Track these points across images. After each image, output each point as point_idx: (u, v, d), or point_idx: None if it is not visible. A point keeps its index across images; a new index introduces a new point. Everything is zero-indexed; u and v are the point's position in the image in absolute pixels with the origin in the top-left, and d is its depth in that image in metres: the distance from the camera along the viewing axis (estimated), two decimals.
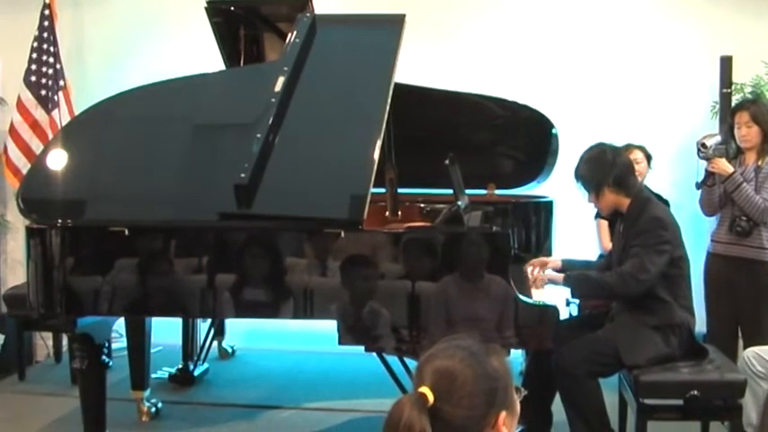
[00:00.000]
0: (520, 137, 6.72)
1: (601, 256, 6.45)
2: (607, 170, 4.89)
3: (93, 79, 7.94)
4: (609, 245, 6.52)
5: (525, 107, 6.47)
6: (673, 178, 6.97)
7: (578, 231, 7.04)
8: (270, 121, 4.81)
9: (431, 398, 2.09)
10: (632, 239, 4.84)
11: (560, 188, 6.70)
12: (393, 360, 5.26)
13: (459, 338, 2.27)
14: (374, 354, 4.99)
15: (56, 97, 7.66)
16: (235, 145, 4.90)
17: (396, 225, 5.51)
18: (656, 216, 4.84)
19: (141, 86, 5.37)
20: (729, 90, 6.62)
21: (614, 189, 4.91)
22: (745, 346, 5.77)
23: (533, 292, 4.97)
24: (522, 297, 4.58)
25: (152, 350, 6.05)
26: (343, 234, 4.56)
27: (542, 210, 6.44)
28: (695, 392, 4.59)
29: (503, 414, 2.16)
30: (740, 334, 6.03)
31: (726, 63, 6.66)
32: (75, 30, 8.11)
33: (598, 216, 6.74)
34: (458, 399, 2.11)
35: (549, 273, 5.21)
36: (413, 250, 4.60)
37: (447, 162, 5.22)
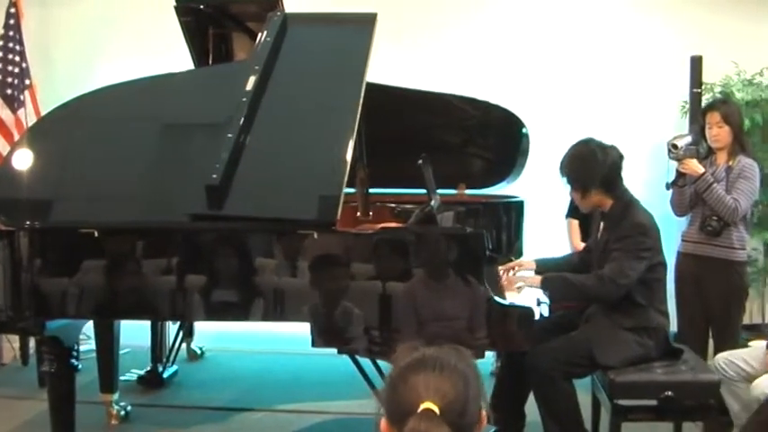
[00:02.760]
0: (491, 137, 6.70)
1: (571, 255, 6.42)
2: (596, 170, 4.83)
3: (59, 78, 7.84)
4: (579, 244, 6.52)
5: (496, 107, 6.45)
6: (643, 178, 6.93)
7: (548, 231, 7.01)
8: (241, 121, 4.74)
9: (437, 411, 2.06)
10: (613, 243, 4.80)
11: (530, 188, 6.70)
12: (365, 361, 5.20)
13: (422, 347, 2.24)
14: (346, 355, 4.93)
15: (21, 96, 7.56)
16: (205, 145, 4.83)
17: (367, 226, 5.44)
18: (639, 222, 4.80)
19: (109, 86, 5.31)
20: (699, 90, 6.61)
21: (601, 189, 4.87)
22: (716, 345, 5.80)
23: (509, 294, 4.91)
24: (496, 298, 4.53)
25: (120, 352, 5.95)
26: (316, 235, 4.51)
27: (513, 210, 6.43)
28: (669, 393, 4.58)
29: (484, 412, 2.17)
30: (711, 333, 6.00)
31: (696, 63, 6.65)
32: (42, 28, 8.01)
33: (569, 215, 6.73)
34: (464, 409, 2.10)
35: (525, 275, 5.16)
36: (387, 251, 4.55)
37: (420, 162, 5.17)
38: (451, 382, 2.10)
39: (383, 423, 2.14)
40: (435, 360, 2.15)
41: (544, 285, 4.93)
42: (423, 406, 2.05)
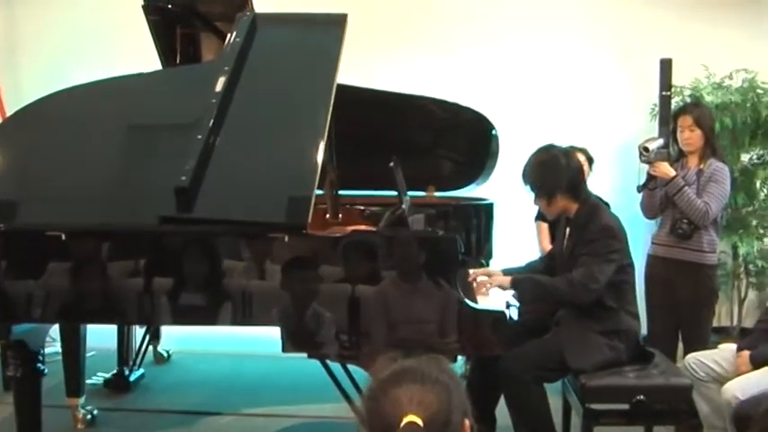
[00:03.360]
0: (460, 138, 6.66)
1: (541, 259, 6.39)
2: (560, 176, 4.80)
3: (25, 79, 7.79)
4: (548, 247, 6.50)
5: (466, 109, 6.41)
6: (613, 181, 6.97)
7: (517, 233, 6.99)
8: (210, 123, 4.69)
9: (421, 423, 2.03)
10: (581, 247, 4.77)
11: (499, 190, 6.67)
12: (334, 365, 5.15)
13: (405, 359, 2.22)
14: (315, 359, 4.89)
15: None
16: (174, 146, 4.79)
17: (337, 228, 5.40)
18: (606, 225, 4.78)
19: (76, 86, 5.24)
20: (669, 93, 6.58)
21: (566, 195, 4.84)
22: (685, 348, 5.79)
23: (479, 298, 4.87)
24: (468, 302, 4.50)
25: (86, 355, 5.88)
26: (286, 238, 4.46)
27: (483, 212, 6.40)
28: (641, 397, 4.56)
29: (467, 422, 2.15)
30: (680, 336, 5.99)
31: (665, 65, 6.61)
32: (8, 28, 7.95)
33: (538, 218, 6.71)
34: (447, 420, 2.07)
35: (494, 275, 5.12)
36: (358, 254, 4.52)
37: (391, 164, 5.14)
38: (434, 393, 2.08)
39: None
40: (416, 371, 2.12)
41: (514, 286, 4.91)
42: (406, 419, 2.02)
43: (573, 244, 4.87)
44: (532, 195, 4.92)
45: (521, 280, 4.91)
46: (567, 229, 4.99)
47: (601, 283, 4.66)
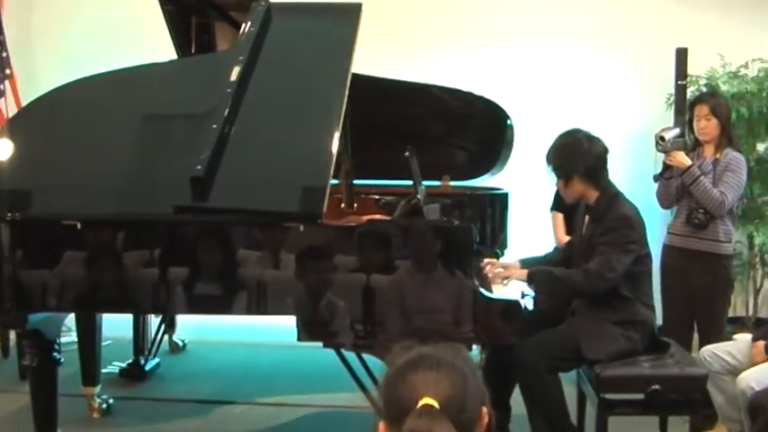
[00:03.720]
0: (475, 128, 6.67)
1: (556, 249, 6.38)
2: (580, 159, 4.80)
3: (40, 68, 7.81)
4: (564, 238, 6.49)
5: (480, 98, 6.40)
6: (629, 170, 6.93)
7: (532, 223, 6.99)
8: (225, 112, 4.68)
9: (437, 406, 2.03)
10: (599, 236, 4.77)
11: (515, 180, 6.67)
12: (349, 354, 5.15)
13: (419, 345, 2.22)
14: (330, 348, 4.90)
15: (2, 87, 7.53)
16: (189, 136, 4.80)
17: (352, 218, 5.41)
18: (624, 215, 4.77)
19: (91, 76, 5.22)
20: (684, 82, 6.60)
21: (584, 179, 4.83)
22: (701, 338, 5.79)
23: (495, 287, 4.87)
24: (483, 291, 4.50)
25: (102, 344, 5.91)
26: (301, 228, 4.46)
27: (498, 202, 6.40)
28: (656, 387, 4.55)
29: (485, 409, 2.15)
30: (695, 326, 5.99)
31: (681, 55, 6.64)
32: (23, 18, 7.96)
33: (554, 208, 6.70)
34: (463, 405, 2.07)
35: (511, 267, 5.12)
36: (374, 244, 4.52)
37: (407, 154, 5.14)
38: (449, 378, 2.08)
39: (381, 426, 2.10)
40: (432, 357, 2.12)
41: (530, 279, 4.90)
42: (422, 402, 2.02)
43: (591, 232, 4.87)
44: (553, 177, 4.93)
45: (536, 273, 4.90)
46: (587, 218, 4.99)
47: (617, 272, 4.65)
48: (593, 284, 4.68)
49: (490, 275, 4.98)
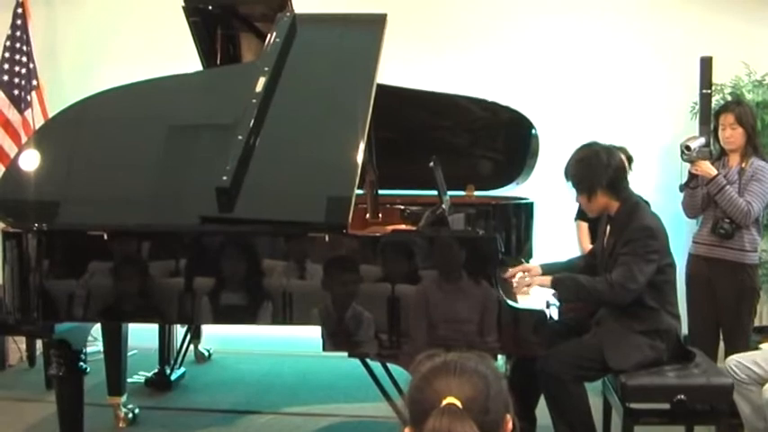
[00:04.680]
0: (499, 138, 6.70)
1: (582, 256, 6.38)
2: (601, 172, 4.80)
3: (66, 79, 7.85)
4: (588, 247, 6.47)
5: (505, 108, 6.43)
6: (653, 180, 6.94)
7: (557, 233, 6.99)
8: (251, 123, 4.72)
9: (460, 405, 2.07)
10: (621, 246, 4.76)
11: (539, 189, 6.67)
12: (374, 363, 5.16)
13: (440, 353, 2.25)
14: (356, 359, 4.91)
15: (29, 97, 7.59)
16: (214, 147, 4.82)
17: (377, 228, 5.44)
18: (645, 225, 4.76)
19: (117, 87, 5.27)
20: (709, 91, 6.58)
21: (607, 192, 4.83)
22: (726, 348, 5.77)
23: (519, 297, 4.89)
24: (508, 301, 4.52)
25: (128, 354, 5.93)
26: (327, 238, 4.49)
27: (523, 211, 6.40)
28: (682, 397, 4.54)
29: (508, 416, 2.17)
30: (721, 335, 5.98)
31: (706, 64, 6.61)
32: (49, 29, 8.01)
33: (578, 218, 6.70)
34: (486, 407, 2.11)
35: (532, 273, 5.13)
36: (399, 254, 4.54)
37: (431, 164, 5.15)
38: (471, 382, 2.12)
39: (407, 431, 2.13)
40: (456, 363, 2.16)
41: (554, 285, 4.91)
42: (445, 401, 2.06)
43: (613, 242, 4.86)
44: (574, 192, 4.93)
45: (561, 279, 4.91)
46: (608, 228, 4.99)
47: (640, 283, 4.65)
48: (617, 295, 4.68)
49: (515, 284, 5.00)
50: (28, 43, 7.61)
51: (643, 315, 4.76)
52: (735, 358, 5.02)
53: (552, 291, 4.96)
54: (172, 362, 6.84)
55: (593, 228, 6.43)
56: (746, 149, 5.76)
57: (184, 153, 4.99)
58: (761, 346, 5.30)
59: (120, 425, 5.87)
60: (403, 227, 5.42)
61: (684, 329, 5.53)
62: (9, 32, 7.55)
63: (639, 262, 4.67)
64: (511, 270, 5.13)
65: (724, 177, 5.68)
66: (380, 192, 6.03)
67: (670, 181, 6.16)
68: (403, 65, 6.83)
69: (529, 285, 5.01)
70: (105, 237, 4.63)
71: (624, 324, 4.76)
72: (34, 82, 7.63)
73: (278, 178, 4.71)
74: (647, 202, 5.42)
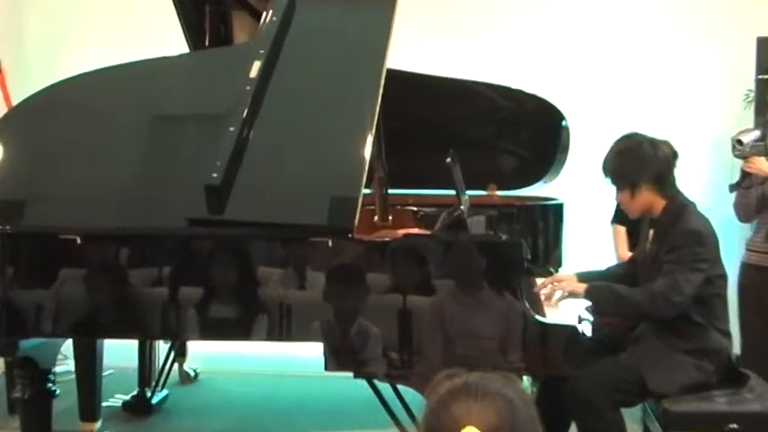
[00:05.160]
0: (525, 130, 6.71)
1: (620, 264, 6.40)
2: (646, 165, 4.77)
3: (32, 63, 7.89)
4: (626, 254, 6.48)
5: (532, 96, 6.44)
6: (701, 178, 6.94)
7: (591, 238, 7.01)
8: (244, 113, 4.74)
9: None
10: (665, 253, 4.74)
11: (569, 188, 6.68)
12: (383, 385, 5.19)
13: (462, 373, 2.24)
14: (361, 379, 4.94)
15: None
16: (203, 140, 4.85)
17: (387, 232, 5.47)
18: (693, 229, 4.73)
19: (90, 72, 5.27)
20: (767, 76, 6.58)
21: (652, 187, 4.81)
22: None
23: (548, 310, 4.90)
24: (536, 316, 4.55)
25: (103, 374, 5.94)
26: (330, 243, 4.52)
27: (552, 213, 6.42)
28: (734, 426, 4.52)
29: None
30: None
31: (763, 45, 6.62)
32: (13, 9, 8.03)
33: (615, 221, 6.71)
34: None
35: (567, 282, 5.13)
36: (411, 261, 4.57)
37: (448, 160, 5.17)
38: (495, 408, 2.11)
39: None
40: (478, 386, 2.15)
41: (589, 296, 4.90)
42: (464, 431, 2.07)
43: (656, 248, 4.85)
44: (613, 189, 4.92)
45: (598, 289, 4.89)
46: (652, 231, 4.99)
47: (686, 295, 4.63)
48: (659, 308, 4.67)
49: (543, 294, 5.01)
50: None
51: (689, 332, 4.74)
52: None
53: (586, 302, 4.97)
54: (153, 383, 6.86)
55: (632, 232, 6.46)
56: None
57: (168, 147, 5.01)
58: None
59: None
60: (416, 231, 5.46)
61: (736, 348, 5.56)
62: None
63: (685, 271, 4.64)
64: (540, 283, 5.14)
65: None
66: (390, 191, 6.05)
67: (719, 180, 6.18)
68: (414, 47, 6.85)
69: (558, 297, 5.02)
70: (78, 241, 4.66)
71: (667, 342, 4.75)
72: None
73: (275, 176, 4.73)
74: (693, 204, 5.44)
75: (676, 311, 4.67)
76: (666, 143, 4.85)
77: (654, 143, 4.83)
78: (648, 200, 4.86)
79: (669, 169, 4.87)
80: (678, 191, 4.92)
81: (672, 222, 4.80)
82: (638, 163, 4.80)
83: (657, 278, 4.71)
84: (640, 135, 4.89)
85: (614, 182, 4.90)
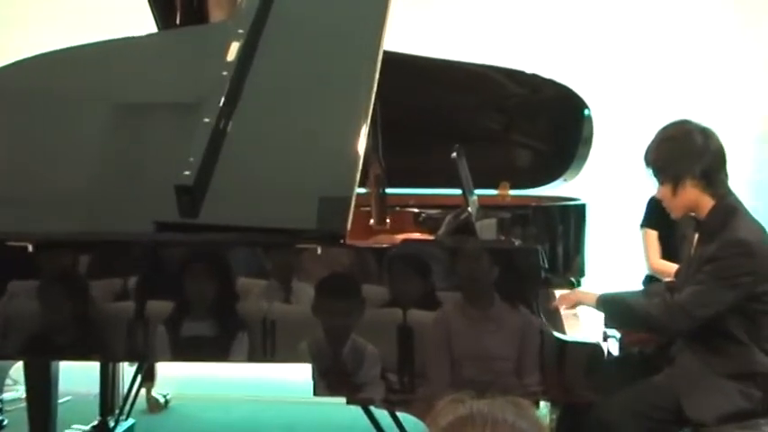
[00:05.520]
0: (542, 120, 6.71)
1: (648, 279, 6.40)
2: (695, 156, 4.69)
3: None
4: (658, 262, 6.46)
5: (550, 82, 6.40)
6: (746, 175, 6.92)
7: (618, 244, 7.00)
8: (221, 102, 4.75)
9: None
10: (704, 262, 4.68)
11: (593, 187, 6.67)
12: (380, 412, 5.19)
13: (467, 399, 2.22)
14: (356, 406, 4.93)
15: None
16: (174, 133, 4.86)
17: (385, 237, 5.46)
18: (739, 239, 4.64)
19: (41, 55, 5.27)
20: None
21: (700, 183, 4.73)
22: None
23: (568, 327, 4.90)
24: (554, 333, 4.54)
25: (59, 401, 5.94)
26: (319, 250, 4.52)
27: (573, 216, 6.40)
28: None
29: None
30: None
31: None
32: None
33: (645, 224, 6.69)
34: None
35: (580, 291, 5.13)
36: (412, 271, 4.58)
37: (454, 155, 5.17)
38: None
39: None
40: (486, 416, 2.14)
41: (598, 305, 4.91)
42: None
43: (699, 256, 4.80)
44: (644, 187, 4.90)
45: (607, 299, 4.90)
46: (696, 236, 4.97)
47: (711, 310, 4.57)
48: (674, 322, 4.65)
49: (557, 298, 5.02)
50: None
51: (732, 352, 4.70)
52: None
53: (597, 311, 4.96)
54: (117, 411, 6.84)
55: (665, 237, 6.43)
56: None
57: (133, 140, 5.02)
58: None
59: None
60: (417, 236, 5.46)
61: None
62: None
63: (720, 284, 4.59)
64: (560, 297, 5.14)
65: None
66: (388, 191, 6.03)
67: (766, 177, 6.15)
68: (415, 27, 6.84)
69: (573, 304, 5.02)
70: (30, 248, 4.66)
71: (707, 363, 4.71)
72: None
73: (256, 174, 4.74)
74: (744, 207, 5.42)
75: (693, 326, 4.63)
76: (714, 133, 4.80)
77: (706, 133, 4.72)
78: (693, 198, 4.77)
79: (721, 164, 4.77)
80: (730, 191, 4.83)
81: (719, 227, 4.72)
82: (685, 155, 4.71)
83: (685, 288, 4.69)
84: (691, 123, 4.80)
85: (656, 174, 4.83)
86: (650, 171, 4.83)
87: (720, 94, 7.35)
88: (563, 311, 5.02)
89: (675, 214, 4.96)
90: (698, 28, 7.46)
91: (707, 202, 4.76)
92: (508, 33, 7.48)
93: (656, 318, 4.71)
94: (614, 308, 4.90)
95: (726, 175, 4.81)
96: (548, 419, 5.96)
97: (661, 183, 4.82)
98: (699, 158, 4.69)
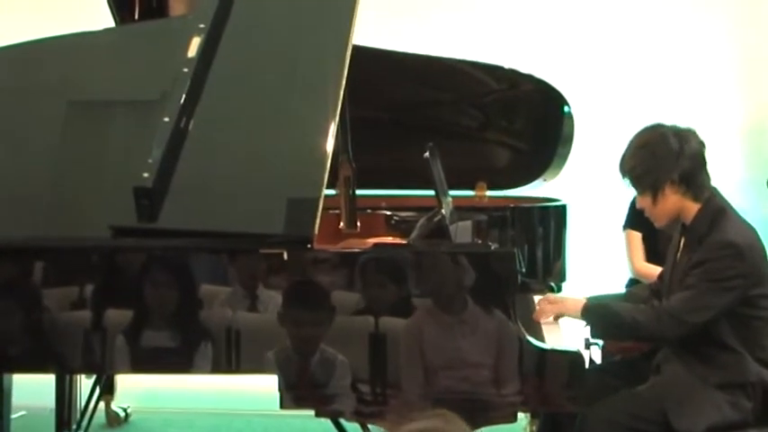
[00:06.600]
0: (520, 118, 6.73)
1: (631, 282, 6.41)
2: (671, 161, 4.69)
3: None
4: (642, 265, 6.47)
5: (528, 77, 6.43)
6: (735, 174, 6.94)
7: (599, 247, 7.01)
8: (182, 100, 4.73)
9: None
10: (692, 266, 4.69)
11: (574, 188, 6.69)
12: (351, 425, 5.19)
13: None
14: (325, 418, 4.94)
15: None
16: (132, 132, 4.85)
17: (355, 241, 5.46)
18: (729, 241, 4.66)
19: None
20: None
21: (680, 188, 4.74)
22: None
23: (547, 333, 4.90)
24: (532, 340, 4.55)
25: (12, 416, 5.93)
26: (285, 255, 4.52)
27: (553, 218, 6.42)
28: None
29: None
30: None
31: None
32: None
33: (628, 226, 6.70)
34: None
35: (566, 300, 5.14)
36: (384, 276, 4.57)
37: (426, 154, 5.17)
38: None
39: None
40: None
41: (583, 312, 4.90)
42: None
43: (687, 260, 4.80)
44: (633, 192, 4.90)
45: (593, 309, 4.90)
46: (682, 241, 4.95)
47: (703, 317, 4.58)
48: (664, 330, 4.66)
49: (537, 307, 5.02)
50: None
51: (722, 361, 4.70)
52: None
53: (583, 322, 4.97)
54: (74, 426, 6.83)
55: (649, 239, 6.45)
56: None
57: (89, 140, 5.00)
58: None
59: None
60: (389, 239, 5.46)
61: None
62: None
63: (711, 289, 4.60)
64: (539, 302, 5.15)
65: None
66: (359, 192, 6.02)
67: (757, 176, 6.17)
68: (386, 21, 6.84)
69: (558, 314, 5.03)
70: None
71: (695, 372, 4.71)
72: None
73: (218, 175, 4.73)
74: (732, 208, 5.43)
75: (682, 332, 4.64)
76: (692, 132, 4.80)
77: (681, 135, 4.72)
78: (675, 204, 4.78)
79: (700, 166, 4.78)
80: (715, 192, 4.84)
81: (707, 230, 4.73)
82: (661, 160, 4.71)
83: (674, 294, 4.70)
84: (664, 126, 4.81)
85: (633, 184, 4.84)
86: (627, 181, 4.84)
87: (706, 92, 7.36)
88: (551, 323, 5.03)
89: (659, 223, 4.97)
90: (683, 25, 7.47)
91: (691, 207, 4.77)
92: (489, 31, 7.47)
93: (646, 325, 4.70)
94: (600, 318, 4.89)
95: (707, 176, 4.82)
96: (526, 429, 6.01)
97: (640, 192, 4.84)
98: (675, 163, 4.69)
